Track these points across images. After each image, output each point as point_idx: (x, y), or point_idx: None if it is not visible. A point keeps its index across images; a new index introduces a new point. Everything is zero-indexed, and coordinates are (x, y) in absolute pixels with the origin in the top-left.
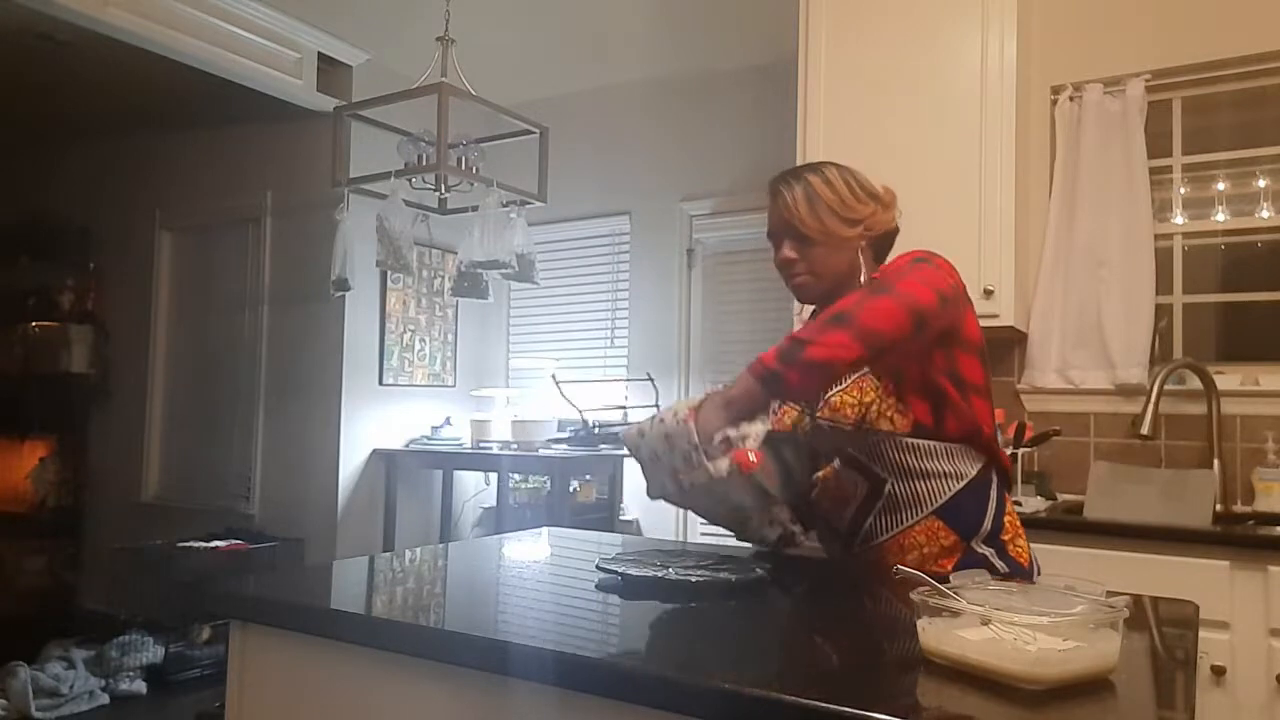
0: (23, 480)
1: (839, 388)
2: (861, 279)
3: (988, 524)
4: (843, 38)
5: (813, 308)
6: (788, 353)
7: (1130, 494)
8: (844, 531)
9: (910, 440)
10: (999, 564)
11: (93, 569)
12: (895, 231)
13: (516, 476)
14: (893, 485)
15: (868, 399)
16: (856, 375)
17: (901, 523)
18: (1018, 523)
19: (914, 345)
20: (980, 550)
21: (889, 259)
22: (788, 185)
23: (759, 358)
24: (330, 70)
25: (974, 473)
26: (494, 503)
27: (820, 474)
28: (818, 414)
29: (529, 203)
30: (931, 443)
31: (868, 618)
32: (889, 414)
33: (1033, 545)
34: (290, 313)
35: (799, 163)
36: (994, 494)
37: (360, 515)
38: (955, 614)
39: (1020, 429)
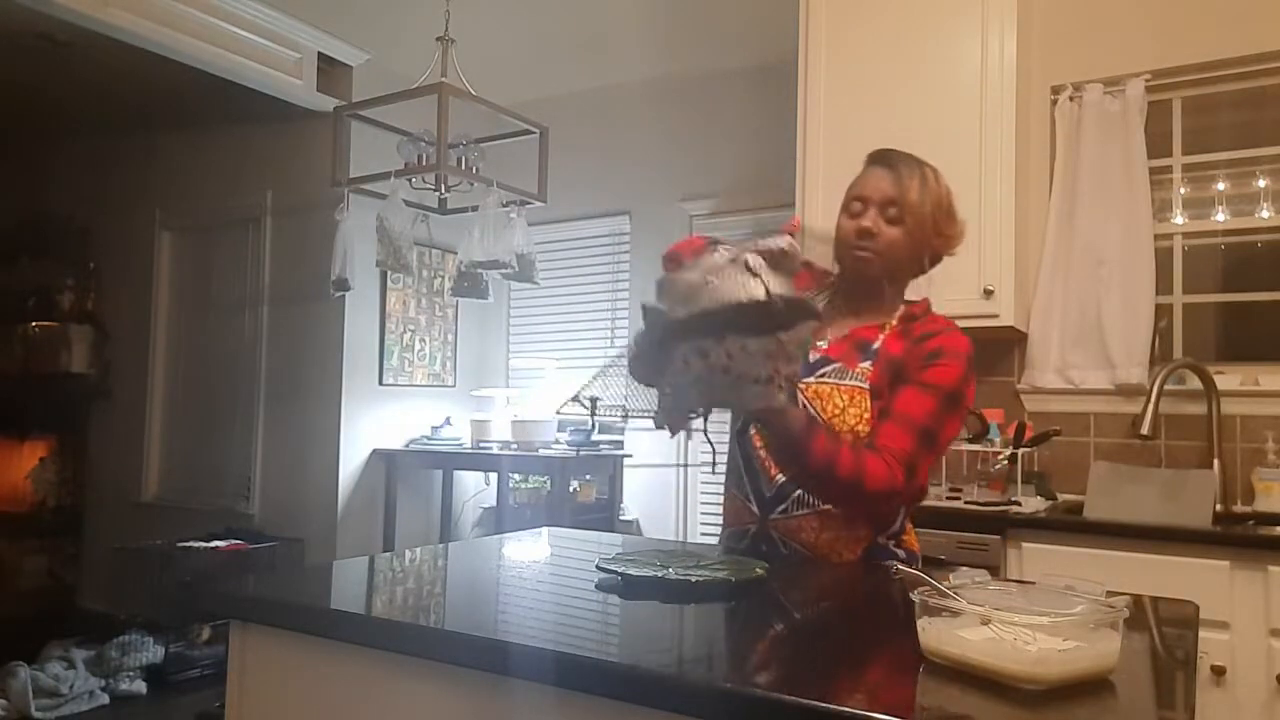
0: (23, 480)
1: (834, 380)
2: (901, 290)
3: (897, 524)
4: (843, 38)
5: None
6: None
7: (1130, 494)
8: (770, 493)
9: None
10: (898, 551)
11: (93, 569)
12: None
13: (516, 476)
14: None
15: (851, 409)
16: (854, 384)
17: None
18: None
19: None
20: (881, 540)
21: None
22: (908, 164)
23: (868, 467)
24: (330, 70)
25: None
26: (494, 503)
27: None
28: (798, 385)
29: (529, 203)
30: None
31: (868, 617)
32: (859, 435)
33: (1033, 545)
34: (290, 313)
35: (799, 162)
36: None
37: (360, 515)
38: (955, 614)
39: (1020, 429)
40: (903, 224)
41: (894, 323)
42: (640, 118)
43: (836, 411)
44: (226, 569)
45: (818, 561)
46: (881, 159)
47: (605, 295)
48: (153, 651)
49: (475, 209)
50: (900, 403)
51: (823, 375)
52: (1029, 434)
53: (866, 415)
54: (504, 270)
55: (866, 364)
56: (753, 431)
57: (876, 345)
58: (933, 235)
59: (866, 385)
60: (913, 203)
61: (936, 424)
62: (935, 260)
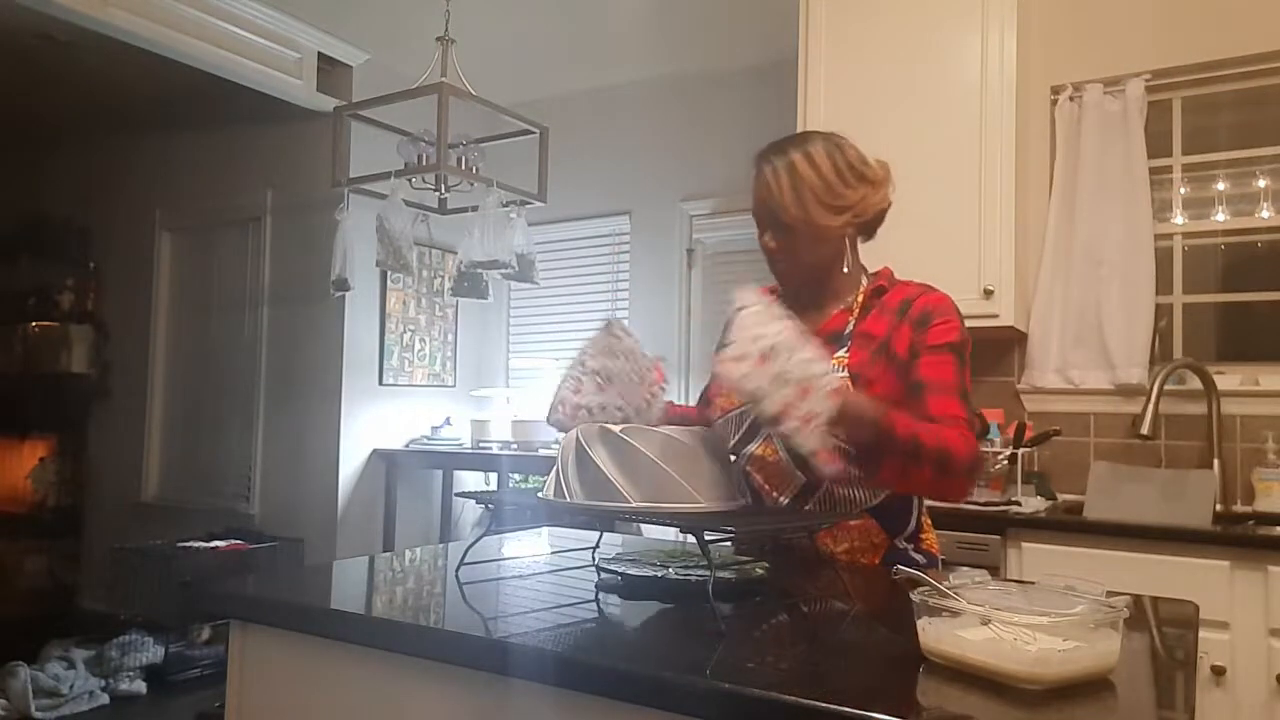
0: (23, 480)
1: None
2: (845, 267)
3: (912, 524)
4: (842, 38)
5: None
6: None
7: (1130, 494)
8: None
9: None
10: (917, 556)
11: (93, 569)
12: (887, 210)
13: (516, 476)
14: (830, 485)
15: None
16: (840, 375)
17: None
18: (927, 519)
19: None
20: (901, 545)
21: (882, 267)
22: (770, 164)
23: (956, 444)
24: (330, 70)
25: None
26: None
27: (759, 450)
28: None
29: (529, 203)
30: None
31: (868, 617)
32: None
33: (1033, 545)
34: (290, 313)
35: None
36: (916, 500)
37: (360, 515)
38: (955, 614)
39: (1020, 429)
40: (791, 228)
41: (859, 299)
42: (640, 118)
43: None
44: (226, 569)
45: (818, 561)
46: (754, 164)
47: (605, 295)
48: (153, 651)
49: (475, 209)
50: (926, 372)
51: None
52: (1029, 434)
53: None
54: (504, 270)
55: (842, 351)
56: (745, 454)
57: (849, 330)
58: (832, 218)
59: (844, 373)
60: (790, 205)
61: (963, 380)
62: (866, 226)
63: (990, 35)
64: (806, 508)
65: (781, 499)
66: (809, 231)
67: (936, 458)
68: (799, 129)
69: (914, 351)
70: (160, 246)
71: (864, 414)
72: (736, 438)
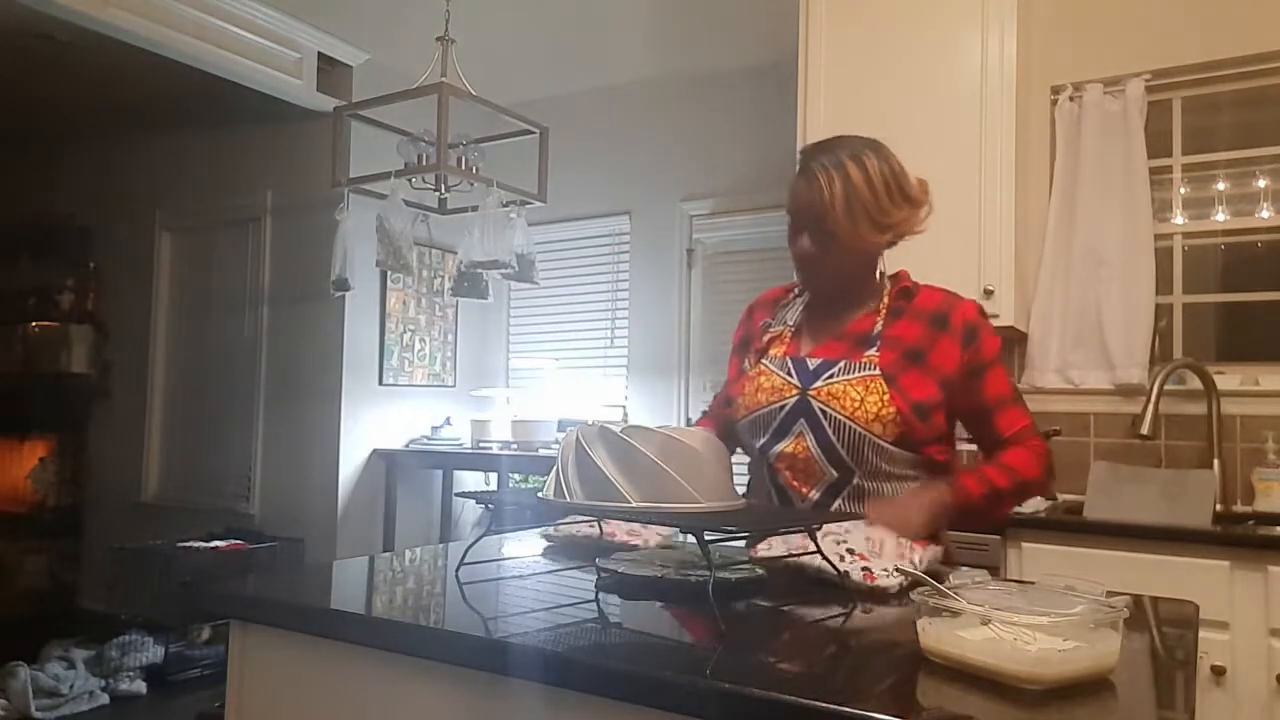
0: (23, 480)
1: (844, 377)
2: (875, 277)
3: None
4: (843, 38)
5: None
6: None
7: (1130, 494)
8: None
9: (888, 447)
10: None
11: (93, 569)
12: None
13: (516, 476)
14: (861, 479)
15: (870, 398)
16: (865, 374)
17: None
18: None
19: None
20: None
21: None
22: (825, 172)
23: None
24: (330, 70)
25: (928, 475)
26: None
27: (790, 448)
28: (809, 392)
29: (529, 203)
30: (904, 452)
31: (867, 617)
32: (885, 420)
33: (1033, 545)
34: (290, 313)
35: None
36: None
37: (360, 515)
38: (955, 614)
39: None
40: (835, 237)
41: (885, 302)
42: (640, 118)
43: (856, 405)
44: (226, 569)
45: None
46: (800, 164)
47: (605, 295)
48: (153, 651)
49: (475, 209)
50: (990, 394)
51: (830, 377)
52: None
53: (886, 398)
54: (504, 270)
55: (872, 351)
56: (775, 452)
57: (877, 331)
58: (876, 236)
59: (877, 371)
60: (841, 217)
61: (1013, 381)
62: (899, 238)
63: (990, 35)
64: (835, 504)
65: (812, 494)
66: (852, 244)
67: (1014, 490)
68: (799, 129)
69: (971, 371)
70: (160, 246)
71: (949, 507)
72: (765, 437)
